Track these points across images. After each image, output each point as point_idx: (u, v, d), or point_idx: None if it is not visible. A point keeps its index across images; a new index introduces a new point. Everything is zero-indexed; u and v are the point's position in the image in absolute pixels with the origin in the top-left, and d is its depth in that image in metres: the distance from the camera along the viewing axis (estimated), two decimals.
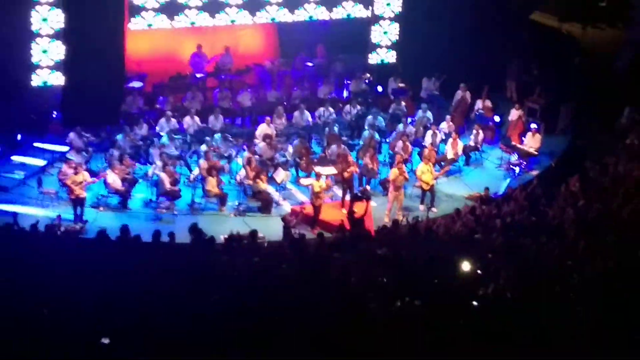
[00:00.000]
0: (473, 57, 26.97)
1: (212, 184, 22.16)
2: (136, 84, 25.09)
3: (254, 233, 18.58)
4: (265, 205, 22.21)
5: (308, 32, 27.25)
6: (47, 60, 23.91)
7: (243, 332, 13.11)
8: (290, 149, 23.88)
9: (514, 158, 24.42)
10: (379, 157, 23.83)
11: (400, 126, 24.76)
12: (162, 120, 24.13)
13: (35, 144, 23.47)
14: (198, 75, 26.09)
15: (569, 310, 14.57)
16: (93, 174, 21.90)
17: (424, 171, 22.47)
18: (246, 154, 23.12)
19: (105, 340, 12.63)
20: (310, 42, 27.58)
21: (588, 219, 18.78)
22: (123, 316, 13.59)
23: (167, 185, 21.79)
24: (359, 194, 21.46)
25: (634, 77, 26.05)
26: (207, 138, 23.73)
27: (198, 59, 26.05)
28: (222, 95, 25.70)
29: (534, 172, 23.98)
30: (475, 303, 15.01)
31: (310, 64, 27.29)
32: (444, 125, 24.94)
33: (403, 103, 26.00)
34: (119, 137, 23.34)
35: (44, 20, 23.59)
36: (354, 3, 26.48)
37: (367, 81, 27.08)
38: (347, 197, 21.97)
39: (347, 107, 25.77)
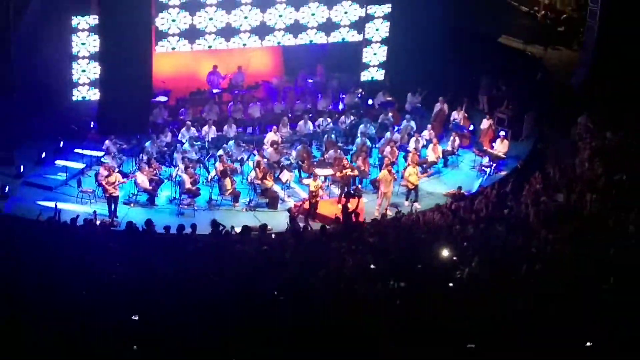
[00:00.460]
0: (450, 75, 26.95)
1: (227, 183, 22.17)
2: (162, 98, 25.06)
3: (264, 227, 18.58)
4: (273, 201, 22.19)
5: (309, 53, 27.20)
6: (85, 79, 23.94)
7: (253, 309, 13.10)
8: (294, 153, 23.86)
9: (486, 161, 24.38)
10: (370, 160, 23.79)
11: (388, 134, 24.71)
12: (184, 129, 24.13)
13: (76, 150, 23.45)
14: (215, 91, 26.06)
15: (533, 289, 14.55)
16: (125, 175, 21.90)
17: (411, 173, 22.49)
18: (256, 157, 23.12)
19: (135, 317, 12.63)
20: (311, 62, 27.54)
21: (548, 212, 18.75)
22: (150, 295, 13.59)
23: (188, 185, 21.77)
24: (352, 192, 21.47)
25: (587, 91, 26.00)
26: (224, 145, 23.72)
27: (214, 76, 26.02)
28: (235, 107, 25.66)
29: (503, 173, 23.91)
30: (451, 284, 15.01)
31: (310, 81, 27.26)
32: (425, 133, 24.89)
33: (390, 114, 25.95)
34: (147, 143, 23.34)
35: (83, 44, 23.61)
36: (348, 29, 26.43)
37: (359, 95, 27.03)
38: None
39: (343, 117, 25.74)
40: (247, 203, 22.20)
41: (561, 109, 26.27)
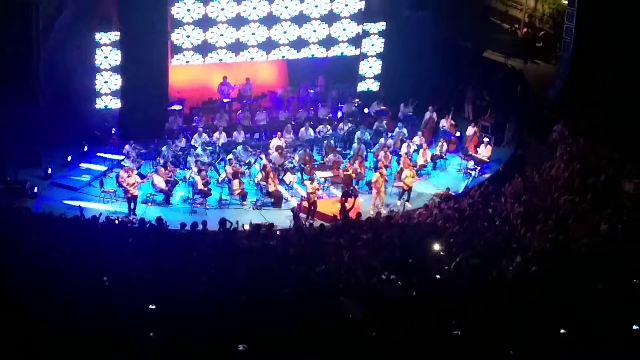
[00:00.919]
0: (438, 86, 26.95)
1: (235, 184, 22.18)
2: (177, 107, 25.06)
3: (271, 225, 18.62)
4: (277, 201, 22.20)
5: (311, 66, 27.20)
6: (107, 89, 23.94)
7: (261, 298, 13.11)
8: (297, 157, 23.88)
9: (471, 164, 24.39)
10: (365, 164, 23.80)
11: (382, 139, 24.73)
12: (197, 135, 24.15)
13: (99, 154, 23.46)
14: (225, 100, 26.06)
15: (514, 281, 14.58)
16: (143, 176, 21.92)
17: (408, 175, 22.50)
18: (262, 161, 23.15)
19: (152, 306, 12.61)
20: (313, 74, 27.54)
21: (528, 211, 18.76)
22: (165, 286, 13.58)
23: (201, 186, 21.79)
24: (349, 192, 21.48)
25: (563, 101, 26.01)
26: (233, 149, 23.74)
27: (224, 87, 26.03)
28: (244, 115, 25.68)
29: (486, 175, 23.92)
30: (438, 276, 15.02)
31: (312, 91, 27.26)
32: (416, 139, 24.91)
33: (384, 121, 25.98)
34: (163, 148, 23.38)
35: (106, 57, 23.61)
36: (346, 44, 26.44)
37: (356, 104, 27.03)
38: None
39: (341, 124, 25.76)
40: (254, 202, 22.21)
41: (539, 118, 26.30)
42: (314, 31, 25.83)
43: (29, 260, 14.43)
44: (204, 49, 24.63)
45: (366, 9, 26.29)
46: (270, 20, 25.10)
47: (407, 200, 22.49)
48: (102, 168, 22.93)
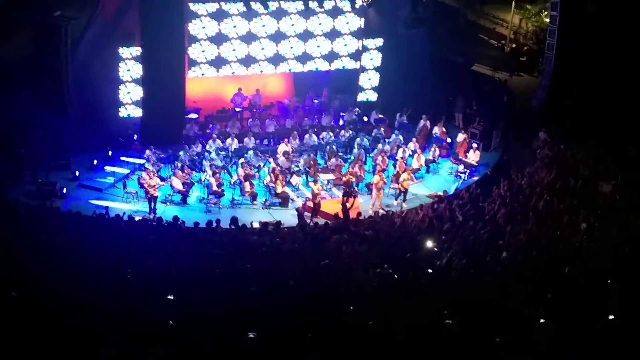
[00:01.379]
0: (431, 97, 26.97)
1: (246, 186, 22.20)
2: (193, 116, 25.12)
3: (279, 223, 18.63)
4: (284, 201, 22.22)
5: (315, 78, 27.28)
6: (129, 99, 24.04)
7: (269, 289, 13.12)
8: (302, 161, 23.91)
9: (461, 168, 24.41)
10: (365, 167, 23.82)
11: (380, 145, 24.76)
12: (211, 141, 24.17)
13: (122, 158, 23.53)
14: (237, 109, 26.12)
15: (499, 274, 14.58)
16: (162, 179, 21.96)
17: (405, 178, 22.51)
18: (271, 164, 23.18)
19: (170, 297, 12.64)
20: (317, 85, 27.61)
21: (513, 211, 18.76)
22: (183, 278, 13.61)
23: (215, 187, 21.81)
24: (350, 192, 21.50)
25: (545, 111, 26.00)
26: (244, 154, 23.78)
27: (238, 97, 26.10)
28: (254, 123, 25.71)
29: (475, 178, 23.93)
30: (430, 270, 15.02)
31: (316, 101, 27.31)
32: (411, 145, 24.94)
33: (382, 129, 26.01)
34: (181, 153, 23.41)
35: (128, 70, 23.72)
36: (348, 58, 26.48)
37: (356, 113, 27.08)
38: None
39: (343, 131, 25.79)
40: (263, 202, 22.22)
41: (523, 126, 26.29)
42: (318, 46, 25.89)
43: (59, 255, 14.48)
44: (218, 62, 24.70)
45: (365, 27, 26.36)
46: (278, 37, 25.17)
47: (404, 201, 22.51)
48: (125, 171, 22.97)
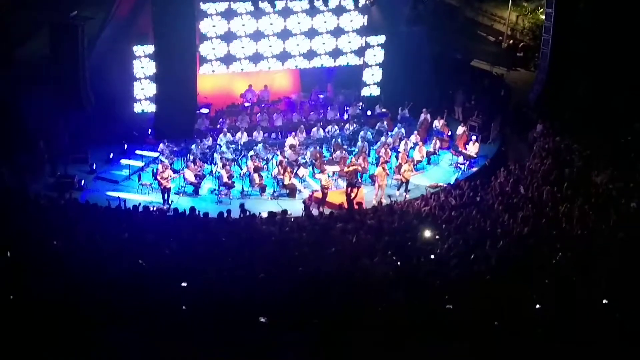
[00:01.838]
0: (432, 91, 26.95)
1: (256, 178, 22.21)
2: (204, 110, 25.12)
3: (284, 211, 18.61)
4: (292, 192, 22.22)
5: (320, 74, 27.23)
6: (143, 95, 24.03)
7: (278, 276, 13.14)
8: (308, 154, 23.88)
9: (461, 159, 24.38)
10: (368, 159, 23.79)
11: (383, 138, 24.72)
12: (222, 135, 24.20)
13: (137, 151, 23.56)
14: (246, 104, 26.12)
15: (497, 260, 14.56)
16: (175, 171, 21.98)
17: (406, 170, 22.49)
18: (279, 157, 23.16)
19: (184, 284, 12.65)
20: (322, 81, 27.57)
21: (511, 201, 18.75)
22: (195, 266, 13.62)
23: (226, 179, 21.84)
24: (355, 183, 21.48)
25: (541, 104, 25.94)
26: (253, 147, 23.78)
27: (249, 93, 26.11)
28: (262, 117, 25.70)
29: (474, 169, 23.91)
30: (432, 256, 15.02)
31: (321, 96, 27.28)
32: (412, 137, 24.89)
33: (385, 122, 25.97)
34: (193, 146, 23.41)
35: (142, 67, 23.73)
36: (352, 55, 26.43)
37: (360, 108, 27.02)
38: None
39: (347, 125, 25.77)
40: (271, 193, 22.23)
41: (520, 118, 26.24)
42: (323, 44, 25.84)
43: (77, 244, 14.52)
44: (228, 59, 24.66)
45: (368, 24, 26.28)
46: (285, 35, 25.12)
47: (406, 191, 22.47)
48: (139, 164, 23.01)
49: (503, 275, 13.60)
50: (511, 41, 33.07)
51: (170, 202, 20.98)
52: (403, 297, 12.40)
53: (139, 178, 22.07)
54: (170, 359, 10.31)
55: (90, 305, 11.26)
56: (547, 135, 23.62)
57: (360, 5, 25.84)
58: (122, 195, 20.56)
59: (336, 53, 26.19)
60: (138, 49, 23.51)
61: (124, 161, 23.06)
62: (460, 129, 25.48)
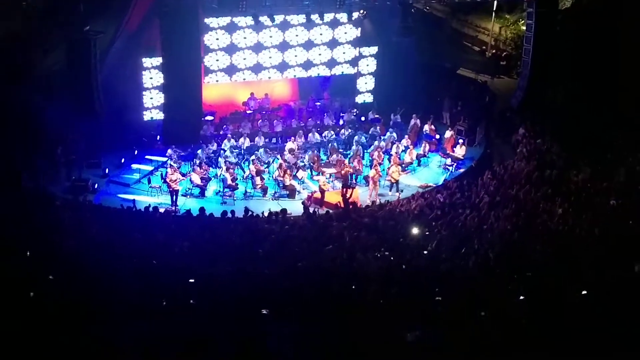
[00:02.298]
0: (421, 98, 26.92)
1: (258, 180, 22.21)
2: (209, 118, 25.08)
3: (284, 210, 18.62)
4: (292, 193, 22.22)
5: (317, 82, 27.21)
6: (152, 104, 24.01)
7: (279, 271, 13.16)
8: (307, 157, 23.87)
9: (449, 161, 24.36)
10: (363, 162, 23.78)
11: (376, 142, 24.70)
12: (226, 140, 24.17)
13: (147, 156, 23.55)
14: (248, 112, 26.09)
15: (483, 255, 14.60)
16: (183, 174, 21.96)
17: (394, 171, 22.54)
18: (279, 160, 23.16)
19: (192, 280, 12.67)
20: (319, 89, 27.55)
21: (496, 199, 18.78)
22: (202, 262, 13.65)
23: (230, 181, 21.84)
24: (350, 184, 21.50)
25: (523, 109, 25.94)
26: (255, 151, 23.79)
27: (252, 101, 26.08)
28: (263, 124, 25.67)
29: (461, 170, 23.90)
30: (425, 252, 15.05)
31: (318, 103, 27.24)
32: (404, 141, 24.88)
33: (378, 127, 25.93)
34: (199, 151, 23.39)
35: (151, 78, 23.72)
36: (346, 65, 26.44)
37: (354, 114, 27.01)
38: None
39: (343, 130, 25.73)
40: (272, 194, 22.23)
41: (504, 123, 26.26)
42: (320, 54, 25.84)
43: (91, 243, 14.53)
44: (231, 70, 24.67)
45: (361, 36, 26.27)
46: (284, 46, 25.12)
47: (397, 191, 22.48)
48: (149, 168, 22.99)
49: (489, 268, 13.64)
50: (495, 51, 33.08)
51: (178, 204, 20.95)
52: (396, 289, 12.44)
53: (149, 181, 22.05)
54: (179, 349, 10.33)
55: (104, 301, 11.28)
56: (529, 138, 23.66)
57: (353, 18, 25.85)
58: (133, 197, 20.56)
59: (332, 63, 26.19)
60: (147, 61, 23.51)
61: (134, 165, 23.04)
62: (448, 133, 25.49)
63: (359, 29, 26.15)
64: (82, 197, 20.15)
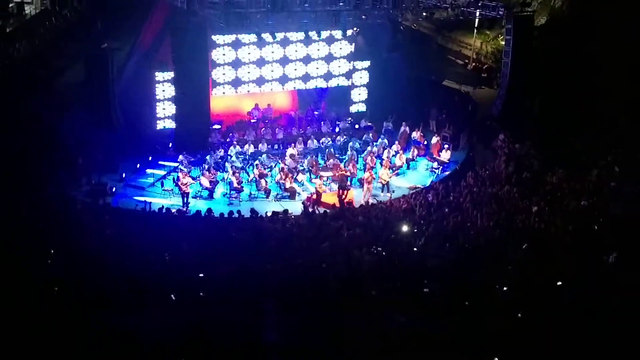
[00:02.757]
0: (410, 107, 26.91)
1: (261, 183, 22.20)
2: (216, 126, 25.07)
3: (286, 211, 18.61)
4: (292, 194, 22.20)
5: (315, 94, 27.24)
6: (164, 114, 23.98)
7: (281, 266, 13.15)
8: (306, 162, 23.86)
9: (435, 165, 24.37)
10: (357, 166, 23.75)
11: (369, 147, 24.71)
12: (232, 147, 24.15)
13: (160, 162, 23.52)
14: (253, 121, 26.08)
15: (468, 250, 14.61)
16: (193, 178, 21.95)
17: (384, 173, 22.52)
18: (281, 165, 23.17)
19: (201, 275, 12.65)
20: (316, 99, 27.57)
21: (478, 199, 18.80)
22: (211, 258, 13.64)
23: (236, 184, 21.82)
24: (345, 186, 21.49)
25: (502, 116, 25.97)
26: (259, 157, 23.79)
27: (256, 111, 26.08)
28: (266, 131, 25.67)
29: (447, 173, 23.90)
30: (415, 249, 15.06)
31: (316, 113, 27.26)
32: (394, 147, 24.88)
33: (370, 134, 25.93)
34: (207, 157, 23.36)
35: (163, 91, 23.68)
36: (342, 77, 26.46)
37: (349, 122, 27.01)
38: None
39: (338, 137, 25.74)
40: (275, 196, 22.22)
41: (485, 129, 26.26)
42: (317, 68, 25.87)
43: (110, 242, 14.53)
44: (236, 83, 24.67)
45: (355, 51, 26.31)
46: (284, 61, 25.14)
47: (389, 192, 22.47)
48: (162, 172, 22.97)
49: (473, 262, 13.66)
50: (476, 64, 33.08)
51: (188, 205, 20.95)
52: (389, 282, 12.45)
53: (162, 184, 22.03)
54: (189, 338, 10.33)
55: (118, 293, 11.30)
56: (508, 143, 23.67)
57: (348, 35, 25.90)
58: (147, 199, 20.55)
59: (328, 76, 26.22)
60: (159, 75, 23.49)
61: (149, 170, 23.00)
62: (435, 139, 25.49)
63: (353, 44, 26.18)
64: (101, 200, 20.13)
